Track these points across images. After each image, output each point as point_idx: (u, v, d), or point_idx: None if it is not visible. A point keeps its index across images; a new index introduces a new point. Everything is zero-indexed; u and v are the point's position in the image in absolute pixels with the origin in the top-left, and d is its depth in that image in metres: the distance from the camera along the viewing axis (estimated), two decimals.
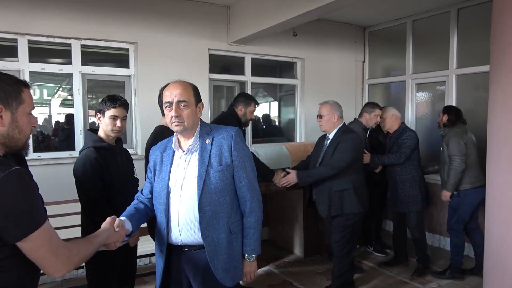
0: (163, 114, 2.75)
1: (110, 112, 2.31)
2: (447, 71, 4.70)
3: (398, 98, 5.41)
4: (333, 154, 3.07)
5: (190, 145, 1.81)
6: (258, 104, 3.58)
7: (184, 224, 1.77)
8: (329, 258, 4.21)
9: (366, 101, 5.77)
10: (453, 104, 4.63)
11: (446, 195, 3.66)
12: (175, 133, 1.85)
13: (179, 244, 1.81)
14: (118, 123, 2.33)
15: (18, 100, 1.21)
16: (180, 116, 1.74)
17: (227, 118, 3.38)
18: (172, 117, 1.74)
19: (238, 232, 1.85)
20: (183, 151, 1.83)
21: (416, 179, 3.76)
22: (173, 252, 1.86)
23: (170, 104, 1.75)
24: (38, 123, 4.07)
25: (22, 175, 1.12)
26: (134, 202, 1.95)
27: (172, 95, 1.75)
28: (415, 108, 5.18)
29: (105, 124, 2.33)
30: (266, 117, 5.63)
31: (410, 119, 5.17)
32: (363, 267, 4.03)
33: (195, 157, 1.80)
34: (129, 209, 1.88)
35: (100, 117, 2.35)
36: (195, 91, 1.83)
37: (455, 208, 3.68)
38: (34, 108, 1.33)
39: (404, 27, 5.19)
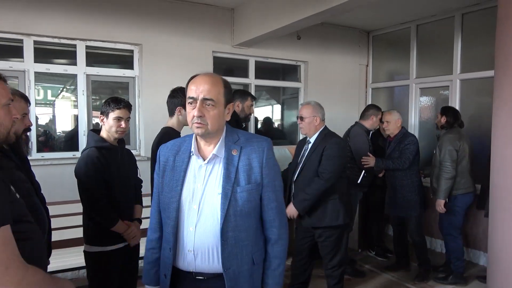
0: (170, 114, 2.79)
1: (114, 114, 2.32)
2: (451, 75, 4.69)
3: (401, 102, 5.41)
4: (320, 162, 2.86)
5: (213, 154, 1.51)
6: (255, 98, 3.52)
7: (201, 249, 1.48)
8: None
9: None
10: (457, 108, 4.62)
11: (439, 203, 3.58)
12: (193, 135, 1.57)
13: (191, 271, 1.52)
14: (123, 124, 2.34)
15: None
16: (204, 117, 1.44)
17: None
18: (194, 116, 1.45)
19: (260, 262, 1.59)
20: (203, 159, 1.52)
21: (415, 184, 3.72)
22: (181, 278, 1.56)
23: (194, 100, 1.46)
24: (42, 123, 4.10)
25: None
26: (148, 254, 1.65)
27: (198, 90, 1.45)
28: (419, 113, 5.18)
29: (109, 126, 2.33)
30: (268, 119, 5.63)
31: (414, 124, 5.16)
32: (364, 271, 4.01)
33: (219, 169, 1.51)
34: (149, 271, 1.64)
35: (103, 118, 2.36)
36: (227, 88, 1.53)
37: (448, 213, 3.64)
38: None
39: (408, 31, 5.20)
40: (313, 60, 5.29)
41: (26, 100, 1.86)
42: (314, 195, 2.82)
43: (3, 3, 3.50)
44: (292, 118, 5.62)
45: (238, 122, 3.37)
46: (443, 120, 3.73)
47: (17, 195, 1.17)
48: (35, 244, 1.16)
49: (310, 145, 2.98)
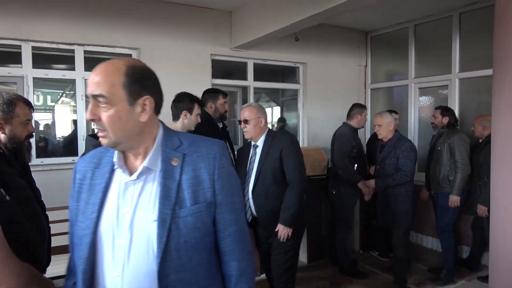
0: (175, 118, 2.80)
1: None
2: (450, 75, 4.69)
3: (400, 102, 5.40)
4: (281, 166, 2.65)
5: (144, 166, 1.10)
6: (226, 94, 3.38)
7: None
8: (332, 264, 4.19)
9: (369, 105, 5.78)
10: (456, 108, 4.62)
11: (455, 200, 3.59)
12: None
13: None
14: None
15: None
16: (100, 121, 1.05)
17: (199, 127, 3.17)
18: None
19: None
20: (130, 174, 1.11)
21: (409, 193, 3.52)
22: None
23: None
24: (42, 129, 4.10)
25: None
26: None
27: (89, 84, 1.06)
28: (418, 113, 5.17)
29: None
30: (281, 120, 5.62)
31: (413, 124, 5.15)
32: (366, 272, 3.99)
33: (153, 187, 1.10)
34: None
35: None
36: (131, 76, 1.06)
37: (448, 210, 3.67)
38: (29, 119, 1.34)
39: (406, 31, 5.20)
40: (311, 61, 5.29)
41: (30, 106, 1.84)
42: (296, 210, 2.62)
43: (0, 9, 3.50)
44: (292, 120, 5.62)
45: (211, 124, 3.22)
46: (445, 120, 3.78)
47: (7, 197, 1.18)
48: (30, 245, 1.17)
49: (259, 149, 2.75)
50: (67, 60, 4.00)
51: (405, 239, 3.60)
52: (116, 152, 1.13)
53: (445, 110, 3.83)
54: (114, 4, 3.98)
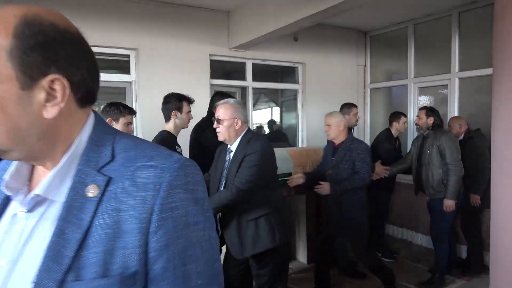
0: (166, 120, 2.80)
1: (125, 119, 2.39)
2: (449, 74, 4.68)
3: (400, 102, 5.40)
4: (237, 171, 2.34)
5: (35, 194, 0.65)
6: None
7: None
8: (333, 265, 4.17)
9: (368, 105, 5.77)
10: (456, 107, 4.61)
11: (450, 204, 3.49)
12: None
13: None
14: (131, 129, 2.42)
15: None
16: None
17: (206, 130, 3.07)
18: None
19: None
20: (23, 208, 0.67)
21: (363, 200, 3.24)
22: None
23: None
24: None
25: None
26: None
27: None
28: (417, 113, 5.15)
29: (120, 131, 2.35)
30: (271, 122, 5.62)
31: (413, 124, 5.13)
32: (365, 273, 3.97)
33: (49, 230, 0.64)
34: None
35: (112, 122, 2.36)
36: (32, 38, 0.60)
37: (445, 215, 3.55)
38: None
39: (405, 31, 5.19)
40: (310, 61, 5.27)
41: None
42: (216, 206, 2.28)
43: None
44: (292, 120, 5.61)
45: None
46: (430, 121, 3.65)
47: None
48: None
49: (232, 154, 2.43)
50: None
51: (364, 249, 3.31)
52: (13, 164, 0.72)
53: (430, 111, 3.69)
54: (111, 4, 3.97)
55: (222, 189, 2.41)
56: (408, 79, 5.20)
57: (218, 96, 3.30)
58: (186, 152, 3.09)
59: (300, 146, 5.36)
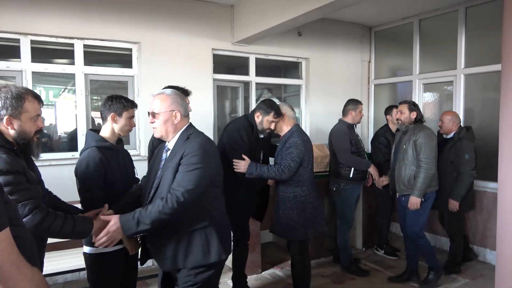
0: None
1: (128, 113, 2.34)
2: (455, 70, 4.62)
3: (404, 98, 5.30)
4: (174, 175, 1.97)
5: None
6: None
7: None
8: (334, 261, 4.15)
9: (372, 101, 5.72)
10: (461, 104, 4.56)
11: (415, 202, 3.31)
12: None
13: None
14: (133, 122, 2.38)
15: None
16: None
17: (238, 125, 3.11)
18: None
19: None
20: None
21: (299, 199, 2.94)
22: None
23: None
24: (44, 125, 4.09)
25: None
26: None
27: None
28: (422, 109, 5.10)
29: (122, 124, 2.32)
30: None
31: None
32: (368, 270, 3.95)
33: None
34: None
35: (115, 117, 2.31)
36: None
37: (421, 213, 3.40)
38: (39, 114, 1.59)
39: (411, 26, 5.12)
40: (314, 56, 5.22)
41: (40, 101, 1.79)
42: (151, 222, 1.87)
43: (1, 4, 3.44)
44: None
45: (251, 132, 3.07)
46: (413, 115, 3.45)
47: (9, 197, 1.13)
48: (26, 246, 1.13)
49: (168, 153, 2.08)
50: (67, 55, 3.95)
51: (299, 251, 3.05)
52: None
53: (413, 105, 3.50)
54: None
55: (152, 192, 2.02)
56: (413, 75, 5.14)
57: (263, 104, 3.08)
58: None
59: None
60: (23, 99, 1.70)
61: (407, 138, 3.45)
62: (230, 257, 3.38)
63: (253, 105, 4.90)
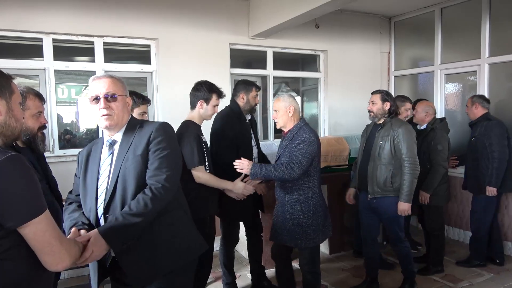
0: (192, 107, 2.74)
1: (140, 109, 2.39)
2: (479, 60, 4.48)
3: (426, 90, 5.22)
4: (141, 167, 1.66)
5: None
6: (259, 88, 3.21)
7: None
8: (354, 255, 4.12)
9: (393, 93, 5.59)
10: (486, 95, 4.41)
11: (406, 208, 2.97)
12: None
13: None
14: (147, 118, 2.41)
15: (9, 90, 1.19)
16: None
17: (222, 113, 3.06)
18: None
19: None
20: None
21: (311, 202, 2.66)
22: None
23: None
24: (66, 121, 4.20)
25: (21, 161, 1.09)
26: None
27: None
28: (444, 100, 4.98)
29: None
30: None
31: (439, 112, 4.96)
32: (393, 264, 3.90)
33: None
34: None
35: None
36: None
37: (397, 218, 3.08)
38: (40, 111, 1.57)
39: (432, 15, 4.99)
40: (332, 49, 5.16)
41: (41, 99, 1.87)
42: (131, 228, 1.55)
43: (22, 3, 3.54)
44: (313, 110, 5.53)
45: (238, 116, 3.11)
46: (386, 106, 3.08)
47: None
48: (57, 222, 1.28)
49: (117, 147, 1.72)
50: (88, 52, 4.03)
51: (311, 259, 2.77)
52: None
53: (386, 95, 3.12)
54: None
55: (103, 198, 1.65)
56: (435, 65, 5.01)
57: (242, 84, 3.22)
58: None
59: (321, 135, 5.28)
60: (24, 98, 1.78)
61: (383, 133, 3.05)
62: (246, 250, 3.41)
63: (271, 99, 4.89)
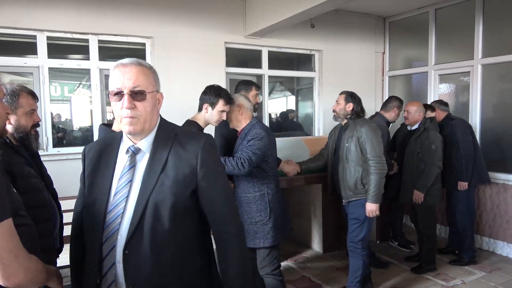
0: (199, 109, 2.63)
1: None
2: (472, 61, 4.52)
3: (420, 90, 5.26)
4: (194, 198, 1.37)
5: None
6: (259, 87, 3.28)
7: None
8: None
9: (387, 93, 5.64)
10: (479, 95, 4.46)
11: (373, 209, 2.90)
12: None
13: None
14: None
15: None
16: None
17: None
18: None
19: None
20: None
21: (266, 199, 2.56)
22: None
23: None
24: (60, 120, 4.17)
25: None
26: None
27: None
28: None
29: None
30: (287, 111, 5.57)
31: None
32: (387, 263, 3.93)
33: None
34: None
35: None
36: None
37: (364, 221, 3.02)
38: (34, 109, 1.67)
39: (427, 16, 5.02)
40: (327, 48, 5.18)
41: (34, 96, 1.87)
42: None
43: (17, 0, 3.51)
44: (308, 109, 5.54)
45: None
46: (348, 107, 3.05)
47: (14, 189, 1.16)
48: (30, 237, 1.17)
49: (140, 158, 1.31)
50: (82, 50, 4.01)
51: (268, 260, 2.61)
52: None
53: (350, 96, 3.09)
54: None
55: (115, 228, 1.23)
56: (429, 66, 5.05)
57: (242, 84, 3.22)
58: None
59: (316, 134, 5.30)
60: (17, 95, 1.78)
61: (348, 135, 3.03)
62: None
63: (266, 98, 4.90)
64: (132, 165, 1.28)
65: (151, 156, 1.27)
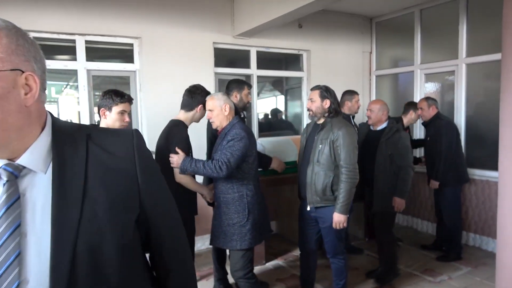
0: (188, 109, 2.69)
1: (118, 107, 2.31)
2: (457, 60, 4.60)
3: (406, 89, 5.34)
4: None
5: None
6: (250, 86, 3.36)
7: None
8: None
9: (374, 92, 5.72)
10: (463, 94, 4.55)
11: (341, 220, 2.67)
12: None
13: None
14: (127, 118, 2.35)
15: None
16: None
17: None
18: None
19: None
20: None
21: (245, 200, 2.54)
22: None
23: None
24: None
25: None
26: None
27: None
28: None
29: (113, 120, 2.31)
30: (274, 111, 5.61)
31: None
32: (362, 248, 3.99)
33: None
34: None
35: (105, 112, 2.33)
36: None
37: (336, 230, 2.77)
38: None
39: (412, 16, 5.10)
40: (315, 48, 5.22)
41: None
42: None
43: (2, 1, 3.46)
44: (296, 108, 5.58)
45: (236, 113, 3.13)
46: (326, 104, 2.78)
47: None
48: None
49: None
50: (69, 51, 3.97)
51: (242, 264, 2.58)
52: None
53: (326, 91, 2.82)
54: None
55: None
56: (415, 65, 5.13)
57: (234, 83, 3.27)
58: (195, 144, 3.05)
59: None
60: None
61: (323, 136, 2.73)
62: None
63: (255, 98, 4.91)
64: (16, 198, 0.75)
65: (55, 174, 0.78)
